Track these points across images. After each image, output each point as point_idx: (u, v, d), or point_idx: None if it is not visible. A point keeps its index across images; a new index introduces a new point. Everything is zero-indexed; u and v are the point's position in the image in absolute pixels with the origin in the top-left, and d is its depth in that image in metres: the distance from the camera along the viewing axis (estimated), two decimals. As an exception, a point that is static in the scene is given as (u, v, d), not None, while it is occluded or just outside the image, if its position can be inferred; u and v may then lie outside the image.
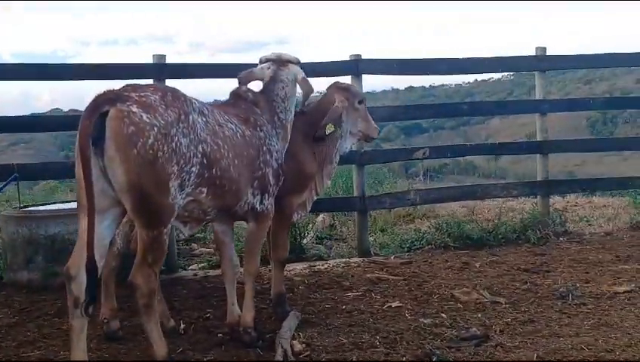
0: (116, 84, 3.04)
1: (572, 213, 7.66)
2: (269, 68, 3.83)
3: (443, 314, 3.95)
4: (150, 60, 5.63)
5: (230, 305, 3.73)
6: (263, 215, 3.58)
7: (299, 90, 3.93)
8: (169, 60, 5.72)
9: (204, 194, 3.12)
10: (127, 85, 2.98)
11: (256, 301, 4.43)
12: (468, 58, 6.44)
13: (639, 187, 7.08)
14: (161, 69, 5.57)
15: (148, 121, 2.75)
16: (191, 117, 2.98)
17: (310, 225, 6.49)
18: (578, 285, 4.51)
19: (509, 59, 6.56)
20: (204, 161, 3.03)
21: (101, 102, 2.75)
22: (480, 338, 3.45)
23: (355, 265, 5.63)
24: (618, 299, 4.12)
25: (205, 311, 4.25)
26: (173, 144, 2.82)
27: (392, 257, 5.82)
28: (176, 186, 2.87)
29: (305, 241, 6.24)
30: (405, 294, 4.51)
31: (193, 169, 2.96)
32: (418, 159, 6.48)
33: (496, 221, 6.49)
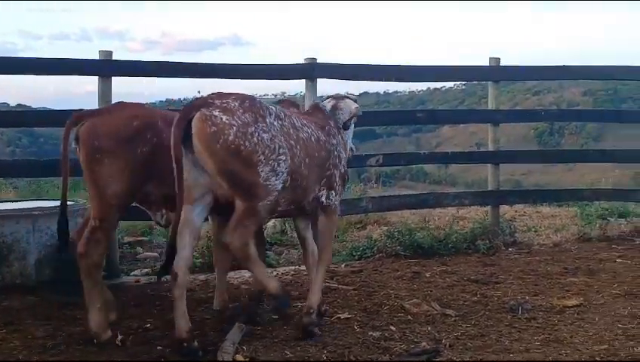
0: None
1: (520, 222, 7.70)
2: (329, 101, 4.36)
3: (392, 327, 3.85)
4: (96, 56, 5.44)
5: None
6: (330, 209, 4.00)
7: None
8: (121, 57, 5.56)
9: (288, 188, 3.55)
10: (213, 93, 3.45)
11: (201, 310, 4.31)
12: (424, 66, 6.42)
13: (588, 199, 7.18)
14: (108, 65, 5.39)
15: (227, 122, 3.27)
16: (267, 119, 3.46)
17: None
18: (528, 298, 4.48)
19: (464, 68, 6.56)
20: (289, 154, 3.49)
21: (189, 110, 3.31)
22: (430, 354, 3.36)
23: (306, 273, 5.48)
24: (567, 314, 4.08)
25: (145, 320, 4.05)
26: (255, 138, 3.32)
27: (343, 265, 5.73)
28: (267, 171, 3.35)
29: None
30: (355, 305, 4.40)
31: (281, 157, 3.42)
32: (372, 166, 6.39)
33: (447, 230, 6.46)
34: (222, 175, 3.29)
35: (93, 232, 3.54)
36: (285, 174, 3.47)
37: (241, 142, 3.28)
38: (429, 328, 3.83)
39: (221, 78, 6.10)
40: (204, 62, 5.99)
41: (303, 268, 5.67)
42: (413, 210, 7.76)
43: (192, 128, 3.25)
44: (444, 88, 67.19)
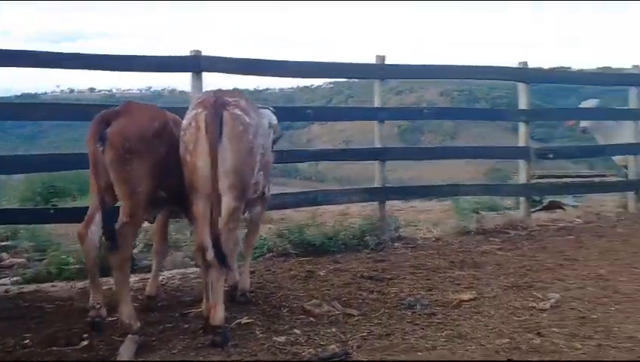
0: None
1: (400, 218, 7.86)
2: None
3: (296, 330, 3.71)
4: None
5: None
6: (267, 200, 4.51)
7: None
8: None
9: (261, 176, 3.92)
10: (219, 90, 3.72)
11: (84, 321, 3.92)
12: (310, 62, 6.33)
13: (466, 193, 7.47)
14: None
15: (249, 121, 3.56)
16: (261, 119, 3.83)
17: (141, 233, 5.91)
18: (423, 293, 4.52)
19: (352, 65, 6.56)
20: (263, 151, 3.80)
21: (218, 106, 3.47)
22: (340, 357, 3.25)
23: (194, 276, 5.24)
24: (464, 308, 4.13)
25: (22, 336, 3.62)
26: (258, 139, 3.63)
27: (233, 267, 5.49)
28: (256, 171, 3.69)
29: (135, 251, 5.69)
30: (253, 308, 4.21)
31: (260, 158, 3.71)
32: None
33: (336, 226, 6.43)
34: (234, 172, 3.48)
35: (122, 227, 3.57)
36: (260, 168, 3.79)
37: (253, 142, 3.56)
38: (334, 329, 3.73)
39: (95, 69, 5.66)
40: (71, 51, 5.51)
41: (191, 271, 5.43)
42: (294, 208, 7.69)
43: (222, 126, 3.43)
44: (313, 86, 68.16)
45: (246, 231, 4.67)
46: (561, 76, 9.13)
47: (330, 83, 60.05)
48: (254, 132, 3.58)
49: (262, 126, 3.85)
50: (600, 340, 3.43)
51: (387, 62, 6.58)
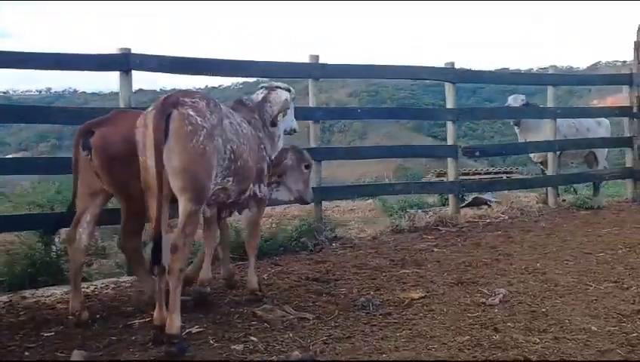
0: None
1: (330, 218, 7.84)
2: (261, 92, 4.57)
3: (253, 337, 3.55)
4: None
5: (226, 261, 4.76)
6: (263, 200, 4.42)
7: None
8: None
9: (230, 183, 3.82)
10: (179, 91, 3.62)
11: (19, 338, 3.62)
12: (248, 60, 6.19)
13: (400, 192, 7.56)
14: None
15: (200, 123, 3.42)
16: (224, 121, 3.68)
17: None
18: (373, 293, 4.47)
19: (287, 64, 6.46)
20: (232, 156, 3.72)
21: (167, 105, 3.38)
22: (306, 363, 3.15)
23: (128, 285, 4.98)
24: (417, 307, 4.10)
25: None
26: (214, 142, 3.50)
27: (170, 273, 5.25)
28: (214, 175, 3.56)
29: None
30: (201, 317, 4.01)
31: (222, 163, 3.64)
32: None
33: (272, 228, 6.31)
34: (184, 173, 3.36)
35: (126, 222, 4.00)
36: (219, 180, 3.68)
37: (207, 144, 3.43)
38: (291, 334, 3.61)
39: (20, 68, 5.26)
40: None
41: (124, 279, 5.17)
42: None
43: (169, 125, 3.32)
44: (222, 87, 67.74)
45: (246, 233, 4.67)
46: (489, 77, 9.40)
47: (241, 83, 59.74)
48: (208, 134, 3.45)
49: (228, 128, 3.71)
50: (555, 333, 3.49)
51: (321, 61, 6.54)
